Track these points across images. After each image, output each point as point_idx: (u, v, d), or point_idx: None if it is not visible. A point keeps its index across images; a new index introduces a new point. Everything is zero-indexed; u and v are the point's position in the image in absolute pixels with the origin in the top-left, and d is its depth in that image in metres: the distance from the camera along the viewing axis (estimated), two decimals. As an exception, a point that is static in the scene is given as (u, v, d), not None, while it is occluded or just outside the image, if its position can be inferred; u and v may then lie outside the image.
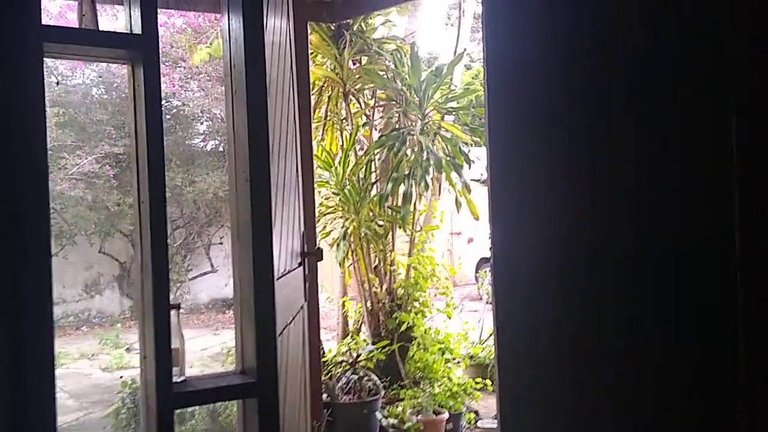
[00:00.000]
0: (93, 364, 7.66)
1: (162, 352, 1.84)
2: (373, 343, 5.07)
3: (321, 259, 3.05)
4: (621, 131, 2.01)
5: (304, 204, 3.03)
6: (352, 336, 5.38)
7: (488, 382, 4.86)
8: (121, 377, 5.82)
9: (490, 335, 5.39)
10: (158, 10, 1.90)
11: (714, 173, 1.95)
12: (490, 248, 2.21)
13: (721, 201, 1.92)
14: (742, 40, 1.88)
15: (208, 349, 8.07)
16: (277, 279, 2.13)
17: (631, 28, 2.06)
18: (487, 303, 6.59)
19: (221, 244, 10.53)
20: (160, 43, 1.90)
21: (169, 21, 9.06)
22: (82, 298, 10.02)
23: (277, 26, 2.43)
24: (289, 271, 2.43)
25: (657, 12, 2.02)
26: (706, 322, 1.90)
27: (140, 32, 1.84)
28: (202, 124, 10.37)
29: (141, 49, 1.83)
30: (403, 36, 6.03)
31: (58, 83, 9.04)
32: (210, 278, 10.67)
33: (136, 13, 1.86)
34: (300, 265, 2.72)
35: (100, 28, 1.90)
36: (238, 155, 2.08)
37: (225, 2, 2.13)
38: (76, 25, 1.90)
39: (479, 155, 5.17)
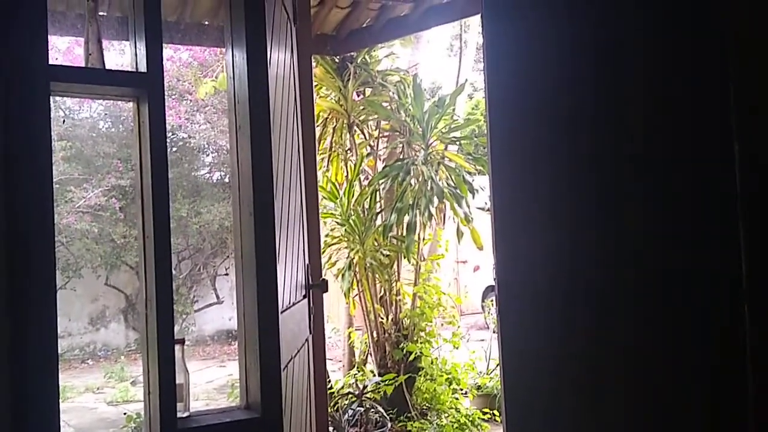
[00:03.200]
0: (98, 397, 7.62)
1: (166, 388, 1.83)
2: (380, 374, 5.04)
3: (326, 290, 3.04)
4: (627, 160, 2.02)
5: (309, 235, 3.04)
6: (358, 367, 5.34)
7: (496, 412, 4.80)
8: (125, 413, 5.79)
9: (498, 365, 5.35)
10: (164, 45, 1.93)
11: (720, 203, 1.95)
12: (494, 278, 2.21)
13: (728, 233, 1.91)
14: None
15: (213, 381, 8.02)
16: (282, 312, 2.12)
17: (636, 65, 2.07)
18: (493, 332, 6.55)
19: (227, 275, 10.52)
20: (166, 77, 1.93)
21: (175, 55, 9.18)
22: (88, 331, 10.00)
23: (281, 60, 2.46)
24: (294, 304, 2.43)
25: (658, 45, 2.04)
26: (714, 354, 1.89)
27: (145, 70, 1.86)
28: (207, 155, 10.45)
29: (146, 87, 1.86)
30: (407, 67, 6.09)
31: (64, 121, 9.14)
32: (216, 310, 10.65)
33: (142, 51, 1.88)
34: (305, 297, 2.71)
35: (107, 65, 1.92)
36: (242, 188, 2.09)
37: (229, 37, 2.16)
38: (83, 60, 1.92)
39: (483, 184, 5.19)
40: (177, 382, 1.87)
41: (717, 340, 1.91)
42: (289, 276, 2.37)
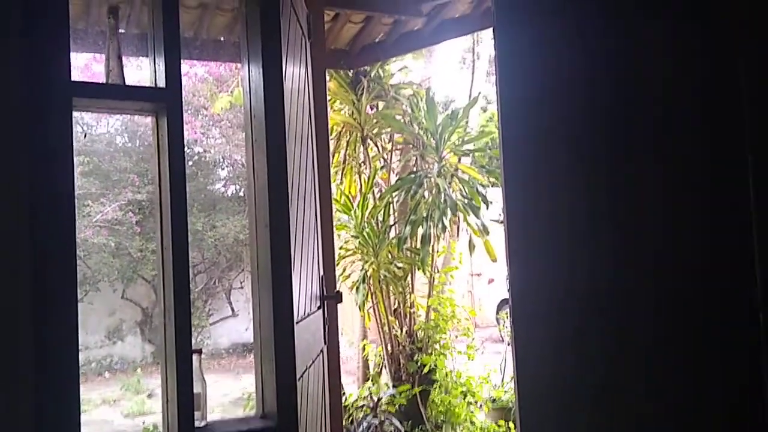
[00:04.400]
0: (115, 410, 7.67)
1: (184, 397, 1.86)
2: (394, 386, 5.04)
3: (340, 302, 3.07)
4: (644, 174, 2.03)
5: (324, 247, 3.07)
6: (372, 379, 5.35)
7: (511, 425, 4.79)
8: (143, 422, 5.82)
9: (512, 378, 5.33)
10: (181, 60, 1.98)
11: (734, 214, 1.96)
12: (509, 290, 2.22)
13: (742, 244, 1.92)
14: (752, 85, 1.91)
15: (228, 394, 8.04)
16: (297, 323, 2.15)
17: (654, 84, 2.08)
18: (508, 345, 6.53)
19: (242, 288, 10.57)
20: (184, 92, 1.97)
21: (191, 71, 9.29)
22: (104, 344, 10.07)
23: (296, 74, 2.50)
24: (308, 315, 2.45)
25: (676, 64, 2.05)
26: (730, 370, 1.89)
27: (164, 85, 1.91)
28: (223, 169, 10.54)
29: (165, 102, 1.90)
30: (420, 81, 6.14)
31: (85, 135, 9.27)
32: (230, 323, 10.69)
33: (161, 67, 1.93)
34: (319, 308, 2.74)
35: (127, 82, 1.97)
36: (258, 201, 2.12)
37: (245, 52, 2.21)
38: (101, 77, 1.97)
39: (497, 196, 5.20)
40: (194, 391, 1.90)
41: (734, 362, 1.91)
42: (304, 287, 2.40)
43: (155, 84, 1.97)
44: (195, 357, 1.96)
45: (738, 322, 1.85)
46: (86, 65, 8.28)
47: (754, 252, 1.83)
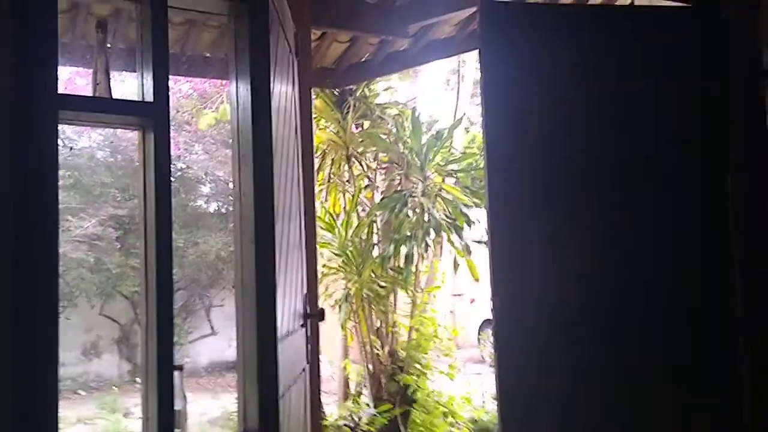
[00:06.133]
0: (90, 429, 7.53)
1: (165, 414, 1.83)
2: (375, 406, 5.01)
3: (323, 320, 3.05)
4: (630, 192, 2.06)
5: (307, 265, 3.06)
6: (353, 399, 5.31)
7: (492, 446, 4.77)
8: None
9: (494, 398, 5.33)
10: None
11: (715, 231, 1.98)
12: (492, 310, 2.22)
13: (723, 259, 1.95)
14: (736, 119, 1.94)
15: (206, 413, 7.93)
16: (281, 340, 2.14)
17: (640, 106, 2.12)
18: (490, 365, 6.52)
19: (222, 306, 10.47)
20: (169, 108, 1.96)
21: (175, 86, 9.28)
22: (81, 362, 9.90)
23: (282, 92, 2.51)
24: (292, 333, 2.44)
25: (660, 87, 2.08)
26: (710, 380, 1.90)
27: (152, 100, 1.90)
28: (205, 186, 10.49)
29: (152, 116, 1.90)
30: (405, 101, 6.18)
31: (71, 148, 9.20)
32: (210, 341, 10.57)
33: (149, 81, 1.92)
34: (302, 326, 2.72)
35: (114, 96, 1.97)
36: (243, 217, 2.12)
37: (233, 69, 2.21)
38: (85, 91, 1.96)
39: (480, 216, 5.22)
40: (175, 408, 1.88)
41: (718, 374, 1.93)
42: (288, 304, 2.39)
43: (143, 98, 1.97)
44: (176, 374, 1.93)
45: (719, 340, 1.87)
46: (69, 79, 8.24)
47: (734, 267, 1.85)
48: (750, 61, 2.15)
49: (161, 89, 1.92)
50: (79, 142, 9.76)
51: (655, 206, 1.94)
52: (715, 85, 2.06)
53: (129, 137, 9.20)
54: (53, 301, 1.68)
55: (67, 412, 8.02)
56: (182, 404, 1.98)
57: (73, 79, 8.24)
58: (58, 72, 1.79)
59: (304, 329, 2.75)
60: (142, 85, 1.98)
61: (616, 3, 3.87)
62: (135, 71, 2.02)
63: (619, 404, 1.95)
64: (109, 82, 1.97)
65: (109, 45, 3.56)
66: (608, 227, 1.97)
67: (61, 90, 1.77)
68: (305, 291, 2.89)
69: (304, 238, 3.01)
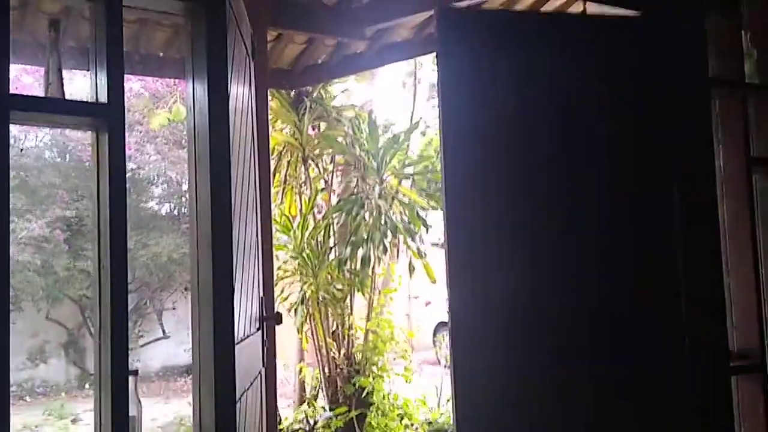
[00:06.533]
0: (36, 436, 7.31)
1: (119, 420, 1.80)
2: (331, 410, 5.00)
3: (280, 323, 3.04)
4: (580, 197, 2.11)
5: (263, 268, 3.03)
6: (309, 403, 5.29)
7: (447, 447, 4.81)
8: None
9: (449, 400, 5.37)
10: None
11: (661, 236, 2.05)
12: (448, 312, 2.25)
13: (669, 266, 2.01)
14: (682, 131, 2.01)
15: (158, 419, 7.79)
16: (237, 344, 2.12)
17: (591, 107, 2.16)
18: (445, 367, 6.58)
19: (174, 309, 10.30)
20: (122, 108, 1.92)
21: (127, 85, 9.09)
22: (26, 367, 9.61)
23: (240, 93, 2.49)
24: (248, 336, 2.42)
25: (611, 92, 2.14)
26: (669, 392, 1.96)
27: (106, 101, 1.87)
28: (157, 187, 10.30)
29: (107, 117, 1.86)
30: (362, 103, 6.18)
31: (22, 150, 8.92)
32: (162, 345, 10.38)
33: (103, 81, 1.89)
34: (259, 329, 2.70)
35: (66, 95, 1.92)
36: (200, 219, 2.09)
37: (190, 69, 2.18)
38: (32, 90, 1.92)
39: (436, 219, 5.26)
40: (130, 414, 1.84)
41: (670, 378, 1.98)
42: (244, 308, 2.37)
43: (96, 99, 1.93)
44: (131, 379, 1.90)
45: (672, 338, 1.93)
46: (16, 77, 8.00)
47: (679, 270, 1.91)
48: (699, 70, 2.22)
49: (116, 90, 1.89)
50: (25, 141, 9.48)
51: (607, 209, 1.99)
52: (665, 93, 2.12)
53: (78, 137, 8.97)
54: (3, 305, 1.63)
55: (13, 418, 7.76)
56: (137, 410, 1.95)
57: (19, 76, 8.00)
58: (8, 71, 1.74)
59: (260, 332, 2.73)
60: (96, 85, 1.94)
61: (568, 11, 3.95)
62: (87, 70, 1.98)
63: (579, 404, 1.99)
64: (62, 82, 1.93)
65: (73, 44, 3.47)
66: (562, 230, 2.01)
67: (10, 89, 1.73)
68: (261, 294, 2.87)
69: (261, 240, 2.99)
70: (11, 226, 7.31)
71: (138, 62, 4.17)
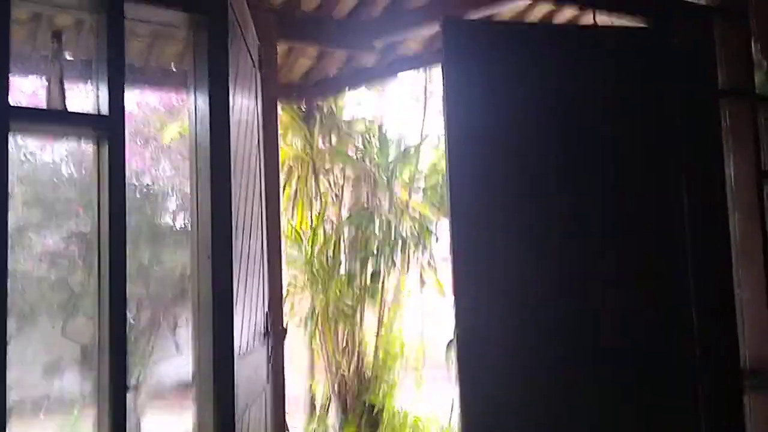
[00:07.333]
0: (49, 451, 7.30)
1: (116, 434, 1.78)
2: (341, 426, 4.94)
3: (285, 338, 3.00)
4: (588, 208, 2.07)
5: (271, 282, 3.01)
6: (318, 419, 5.24)
7: (459, 465, 4.73)
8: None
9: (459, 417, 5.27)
10: (130, 89, 1.94)
11: (670, 242, 2.00)
12: (455, 325, 2.21)
13: (680, 277, 1.96)
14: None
15: (171, 434, 7.76)
16: (239, 358, 2.09)
17: (593, 113, 2.14)
18: (455, 383, 6.49)
19: (187, 324, 10.29)
20: (132, 121, 1.93)
21: (142, 100, 9.16)
22: (41, 384, 9.63)
23: (244, 106, 2.48)
24: (251, 351, 2.39)
25: (617, 101, 2.10)
26: (674, 391, 1.90)
27: (107, 113, 1.86)
28: (171, 202, 10.34)
29: (107, 129, 1.86)
30: (372, 117, 6.17)
31: (25, 156, 8.99)
32: (175, 360, 10.36)
33: (104, 94, 1.88)
34: (264, 344, 2.67)
35: (69, 106, 1.92)
36: (201, 231, 2.08)
37: (192, 83, 2.18)
38: (29, 97, 1.92)
39: (447, 233, 5.22)
40: (127, 427, 1.82)
41: (677, 383, 1.93)
42: (247, 321, 2.34)
43: (98, 110, 1.92)
44: (129, 394, 1.88)
45: (680, 343, 1.88)
46: (34, 92, 8.09)
47: (690, 284, 1.86)
48: (707, 80, 2.18)
49: (117, 102, 1.88)
50: (42, 156, 9.57)
51: (616, 217, 1.95)
52: (673, 103, 2.09)
53: (93, 151, 9.03)
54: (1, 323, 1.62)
55: (26, 434, 7.78)
56: (136, 423, 1.93)
57: (37, 91, 8.08)
58: (16, 82, 1.74)
59: (265, 348, 2.70)
60: (98, 97, 1.94)
61: (579, 23, 3.92)
62: (88, 82, 1.98)
63: (585, 406, 1.95)
64: (63, 93, 1.93)
65: (70, 57, 3.50)
66: (569, 233, 1.98)
67: (25, 102, 1.73)
68: (267, 308, 2.84)
69: (268, 255, 2.96)
70: (27, 241, 7.29)
71: (149, 76, 4.19)
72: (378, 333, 5.34)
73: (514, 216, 2.16)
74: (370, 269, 4.93)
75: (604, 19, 2.96)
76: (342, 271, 5.25)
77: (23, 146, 9.05)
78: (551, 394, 2.06)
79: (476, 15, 3.57)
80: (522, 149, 2.21)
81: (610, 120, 2.00)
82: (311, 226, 5.34)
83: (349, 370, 5.18)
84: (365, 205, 5.38)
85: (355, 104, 6.01)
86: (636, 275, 1.94)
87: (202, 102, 2.07)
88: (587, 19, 3.72)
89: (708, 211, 1.95)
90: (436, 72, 6.74)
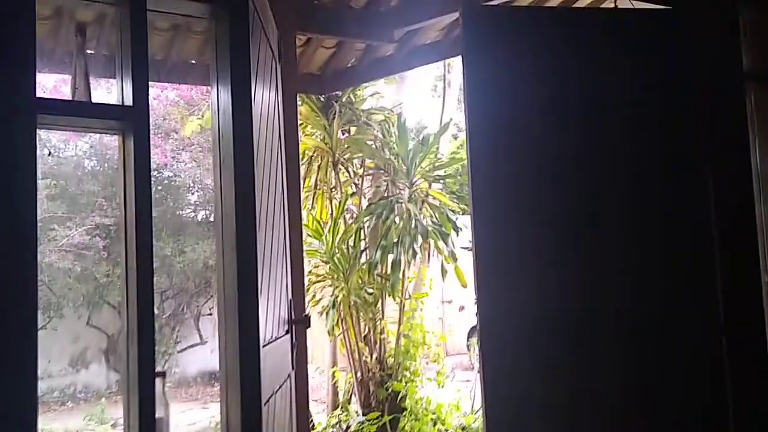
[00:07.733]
0: (77, 440, 7.45)
1: (146, 422, 1.81)
2: (364, 414, 4.98)
3: (309, 326, 3.03)
4: (609, 193, 2.06)
5: (293, 272, 3.04)
6: (342, 407, 5.28)
7: (481, 452, 4.75)
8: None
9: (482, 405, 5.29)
10: (151, 83, 1.96)
11: (698, 234, 1.98)
12: (477, 318, 2.22)
13: (705, 261, 1.94)
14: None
15: (195, 423, 7.87)
16: (264, 346, 2.12)
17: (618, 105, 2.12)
18: (478, 372, 6.51)
19: (210, 315, 10.39)
20: (153, 115, 1.95)
21: (162, 94, 9.24)
22: (68, 373, 9.79)
23: (266, 98, 2.50)
24: (275, 339, 2.42)
25: (639, 94, 2.08)
26: (695, 390, 1.90)
27: (131, 104, 1.88)
28: (193, 194, 10.44)
29: (132, 121, 1.88)
30: (391, 106, 6.18)
31: (50, 154, 9.12)
32: (199, 350, 10.48)
33: (128, 86, 1.91)
34: (287, 332, 2.70)
35: (93, 100, 1.95)
36: (225, 223, 2.10)
37: (214, 75, 2.20)
38: (52, 93, 1.95)
39: (467, 222, 5.22)
40: (157, 416, 1.85)
41: (699, 381, 1.92)
42: (272, 311, 2.37)
43: (122, 102, 1.95)
44: (158, 380, 1.91)
45: (702, 343, 1.87)
46: (55, 87, 8.19)
47: (716, 273, 1.85)
48: (732, 63, 2.16)
49: (141, 93, 1.91)
50: (66, 150, 9.69)
51: (638, 205, 1.93)
52: (697, 87, 2.06)
53: (116, 145, 9.13)
54: (31, 312, 1.65)
55: (55, 424, 7.94)
56: (164, 412, 1.96)
57: (59, 86, 8.19)
58: (37, 76, 1.77)
59: (289, 336, 2.73)
60: (122, 89, 1.97)
61: (601, 6, 3.89)
62: (112, 77, 2.00)
63: (605, 407, 1.94)
64: (89, 86, 1.96)
65: (92, 51, 3.54)
66: (590, 226, 1.97)
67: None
68: (290, 297, 2.87)
69: (290, 245, 2.99)
70: (52, 234, 7.43)
71: (170, 70, 4.22)
72: (399, 322, 5.37)
73: (534, 205, 2.16)
74: (390, 259, 4.95)
75: (624, 4, 2.93)
76: (363, 260, 5.27)
77: (47, 141, 9.19)
78: (571, 382, 2.06)
79: (495, 1, 3.56)
80: (542, 138, 2.21)
81: (632, 107, 1.99)
82: (331, 216, 5.37)
83: (371, 359, 5.21)
84: (385, 195, 5.39)
85: (374, 94, 6.01)
86: (659, 265, 1.93)
87: (225, 94, 2.09)
88: (608, 4, 3.69)
89: (734, 199, 1.94)
90: (455, 61, 6.73)
